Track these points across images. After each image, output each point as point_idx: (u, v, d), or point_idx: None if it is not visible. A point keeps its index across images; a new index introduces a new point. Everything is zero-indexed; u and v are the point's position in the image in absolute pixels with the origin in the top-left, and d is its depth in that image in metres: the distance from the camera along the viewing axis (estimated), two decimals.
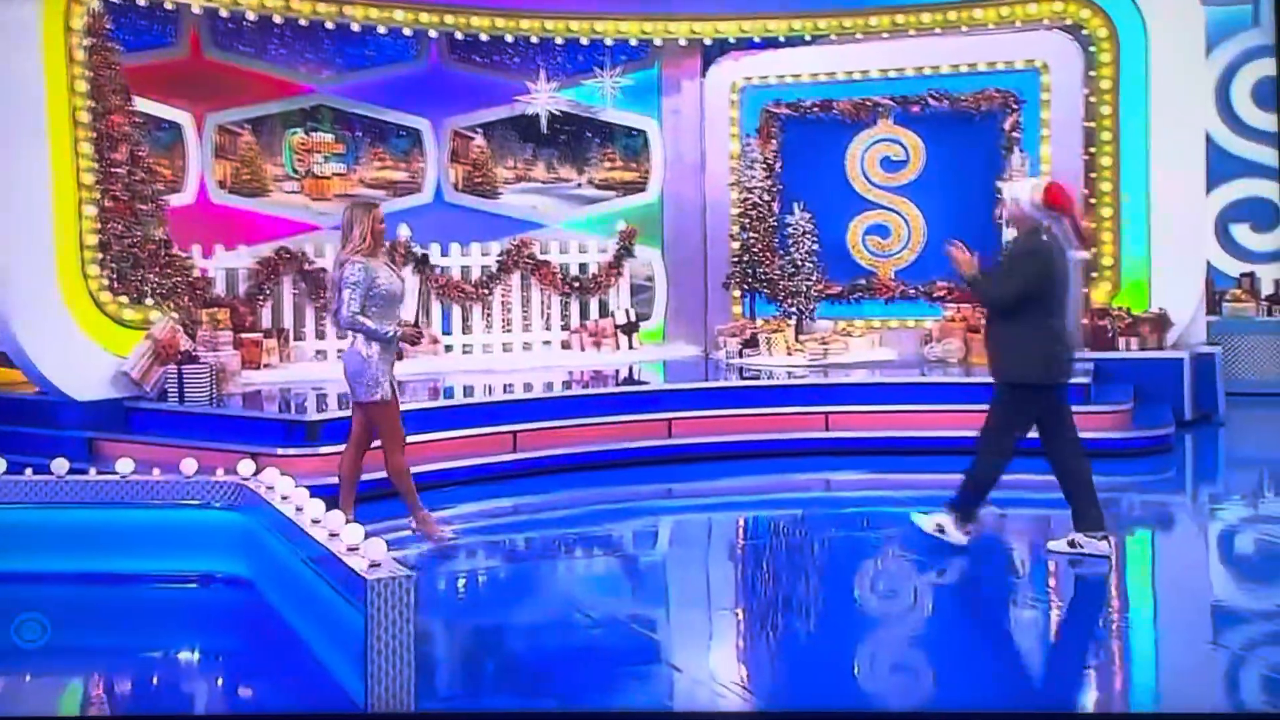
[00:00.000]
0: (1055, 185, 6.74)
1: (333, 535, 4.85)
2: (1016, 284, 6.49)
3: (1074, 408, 9.75)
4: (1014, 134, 11.90)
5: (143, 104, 10.44)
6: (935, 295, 12.20)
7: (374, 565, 4.45)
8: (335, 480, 7.69)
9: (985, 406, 9.65)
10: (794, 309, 12.02)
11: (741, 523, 8.34)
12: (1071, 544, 6.66)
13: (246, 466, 6.17)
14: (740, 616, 6.15)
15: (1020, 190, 6.70)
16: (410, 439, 7.76)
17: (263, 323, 11.35)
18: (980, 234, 11.90)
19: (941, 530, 6.78)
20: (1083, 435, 9.56)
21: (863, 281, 12.50)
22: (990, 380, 7.04)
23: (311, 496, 5.50)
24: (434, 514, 7.11)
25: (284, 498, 5.56)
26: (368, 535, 4.69)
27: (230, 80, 11.74)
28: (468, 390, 10.27)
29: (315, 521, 5.10)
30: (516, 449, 8.94)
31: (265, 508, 5.63)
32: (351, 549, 4.63)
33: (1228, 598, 6.57)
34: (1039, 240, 6.57)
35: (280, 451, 7.96)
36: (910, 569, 6.79)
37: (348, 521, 5.67)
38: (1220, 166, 13.21)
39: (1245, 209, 14.07)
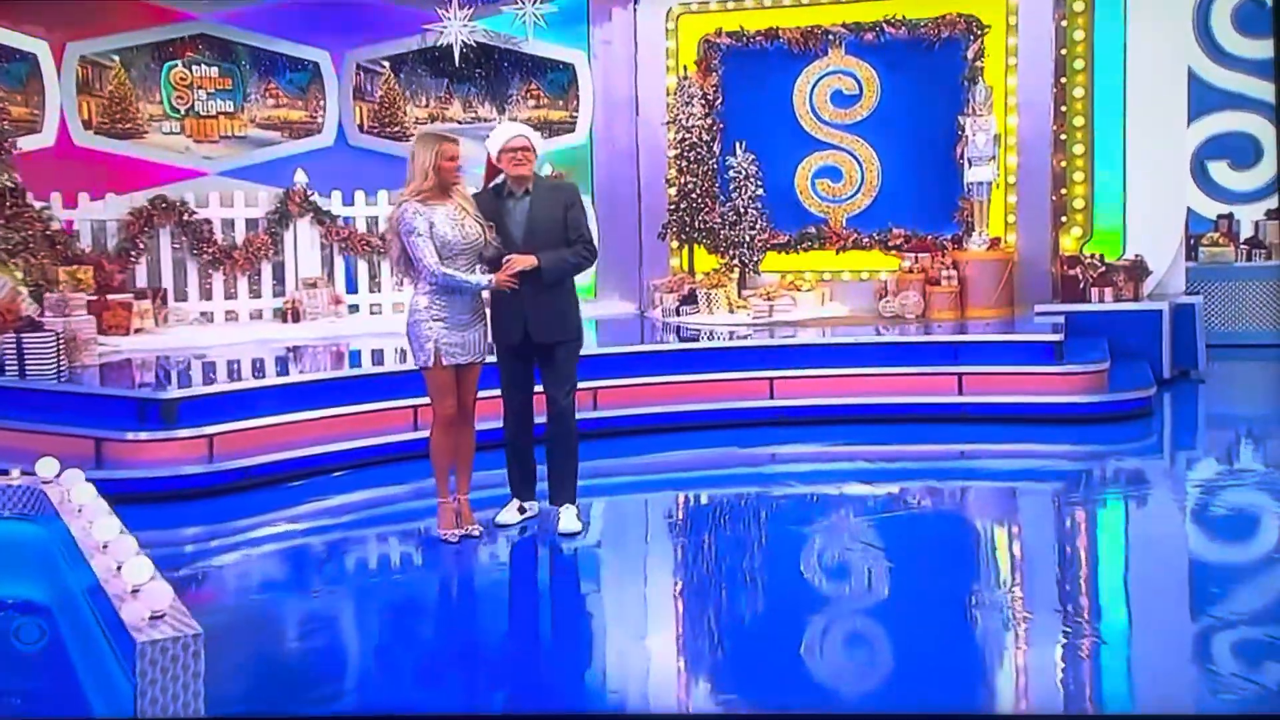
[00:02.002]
0: None
1: (115, 568, 3.75)
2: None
3: (1044, 368, 8.98)
4: (977, 63, 10.86)
5: None
6: (891, 244, 11.19)
7: (153, 618, 3.36)
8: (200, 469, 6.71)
9: (947, 368, 8.99)
10: (736, 261, 10.95)
11: (681, 505, 7.31)
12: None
13: (47, 465, 5.03)
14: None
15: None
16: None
17: (136, 282, 10.13)
18: (940, 175, 10.98)
19: None
20: (1053, 400, 8.88)
21: (812, 230, 11.46)
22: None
23: (115, 508, 4.39)
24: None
25: (79, 510, 4.44)
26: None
27: (96, 4, 10.40)
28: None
29: (103, 547, 3.99)
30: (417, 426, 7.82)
31: (57, 521, 4.52)
32: (135, 590, 3.55)
33: (1219, 591, 5.54)
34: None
35: (130, 436, 6.85)
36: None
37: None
38: (1198, 99, 12.23)
39: (1224, 145, 13.09)
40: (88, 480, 4.79)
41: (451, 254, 5.70)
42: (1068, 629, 4.86)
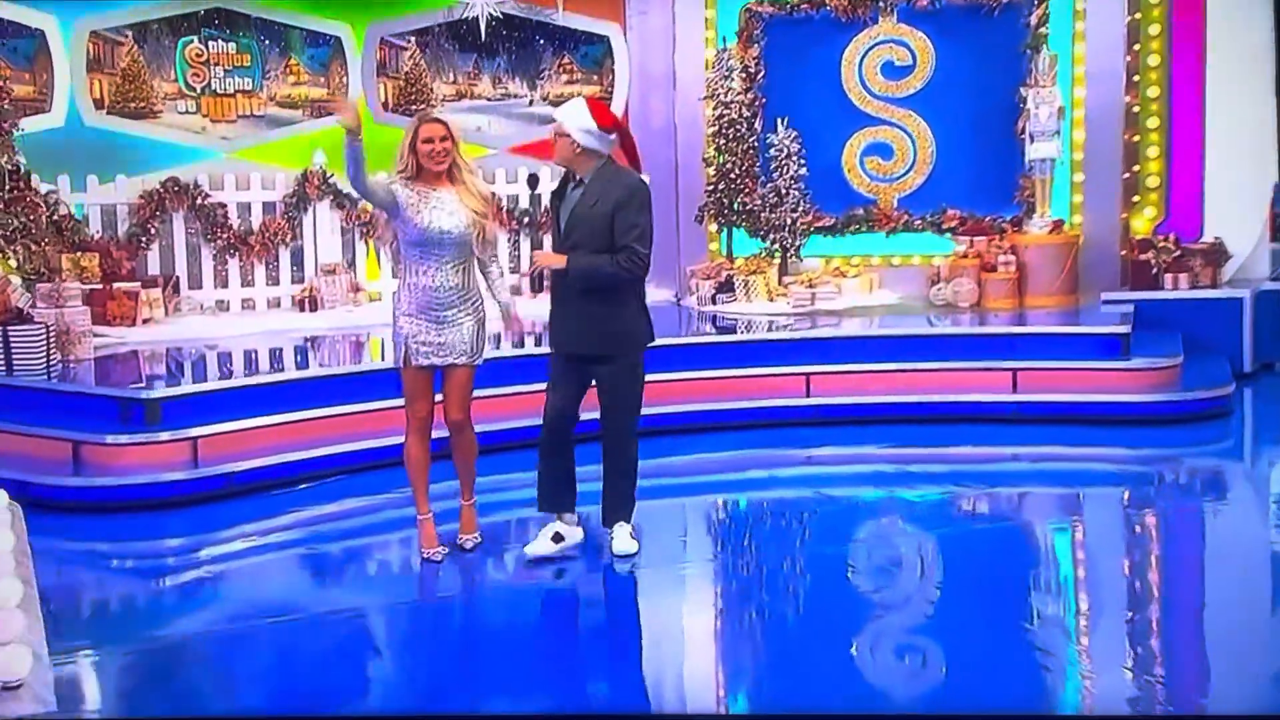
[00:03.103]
0: (597, 101, 5.54)
1: None
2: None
3: (1108, 364, 8.24)
4: (1040, 30, 10.07)
5: None
6: (945, 227, 10.46)
7: (6, 689, 2.88)
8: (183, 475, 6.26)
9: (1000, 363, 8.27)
10: (777, 245, 10.29)
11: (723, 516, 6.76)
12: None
13: None
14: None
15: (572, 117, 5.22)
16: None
17: (147, 269, 9.75)
18: (999, 152, 10.23)
19: None
20: (1118, 399, 8.13)
21: (860, 212, 10.76)
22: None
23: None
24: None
25: None
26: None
27: None
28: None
29: None
30: None
31: None
32: None
33: None
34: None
35: (109, 440, 6.41)
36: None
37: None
38: None
39: None
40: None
41: (429, 245, 5.17)
42: (1137, 649, 4.45)
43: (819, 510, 6.46)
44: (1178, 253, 9.57)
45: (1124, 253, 10.05)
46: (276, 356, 8.50)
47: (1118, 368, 8.23)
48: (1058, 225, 9.95)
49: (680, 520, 6.56)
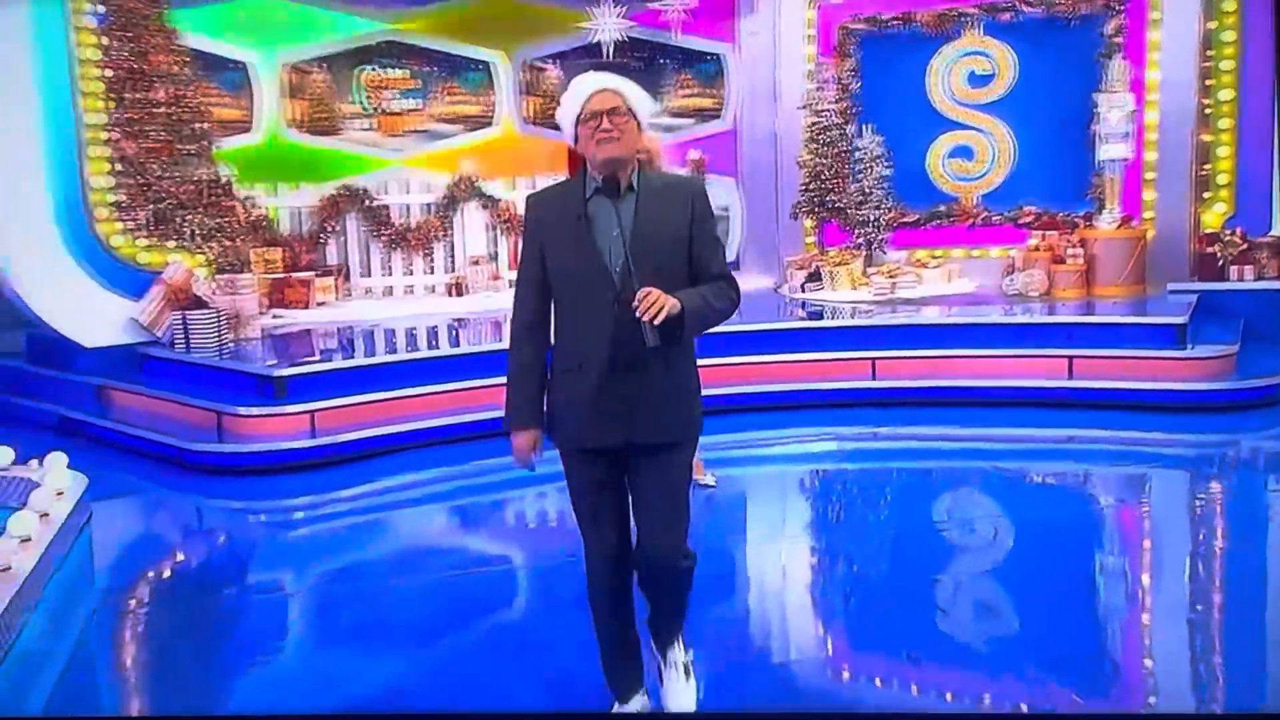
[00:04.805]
0: None
1: None
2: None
3: (1161, 352, 7.24)
4: (1115, 39, 8.97)
5: (207, 43, 8.93)
6: (1021, 222, 9.50)
7: None
8: (304, 444, 6.09)
9: (1056, 351, 7.34)
10: (862, 239, 9.53)
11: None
12: None
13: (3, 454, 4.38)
14: None
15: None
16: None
17: (325, 260, 9.75)
18: (1074, 152, 9.20)
19: None
20: (1173, 387, 7.13)
21: (942, 208, 9.89)
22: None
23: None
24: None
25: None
26: None
27: (300, 18, 9.99)
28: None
29: None
30: None
31: None
32: None
33: None
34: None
35: (243, 411, 6.29)
36: None
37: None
38: None
39: None
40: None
41: None
42: (1199, 635, 3.87)
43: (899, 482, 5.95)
44: (1244, 246, 8.40)
45: (1193, 246, 8.89)
46: (411, 337, 8.30)
47: (1171, 356, 7.26)
48: (1126, 220, 8.87)
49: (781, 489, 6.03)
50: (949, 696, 3.51)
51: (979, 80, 9.75)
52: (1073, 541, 4.95)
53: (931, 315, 8.19)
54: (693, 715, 3.16)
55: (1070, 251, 8.81)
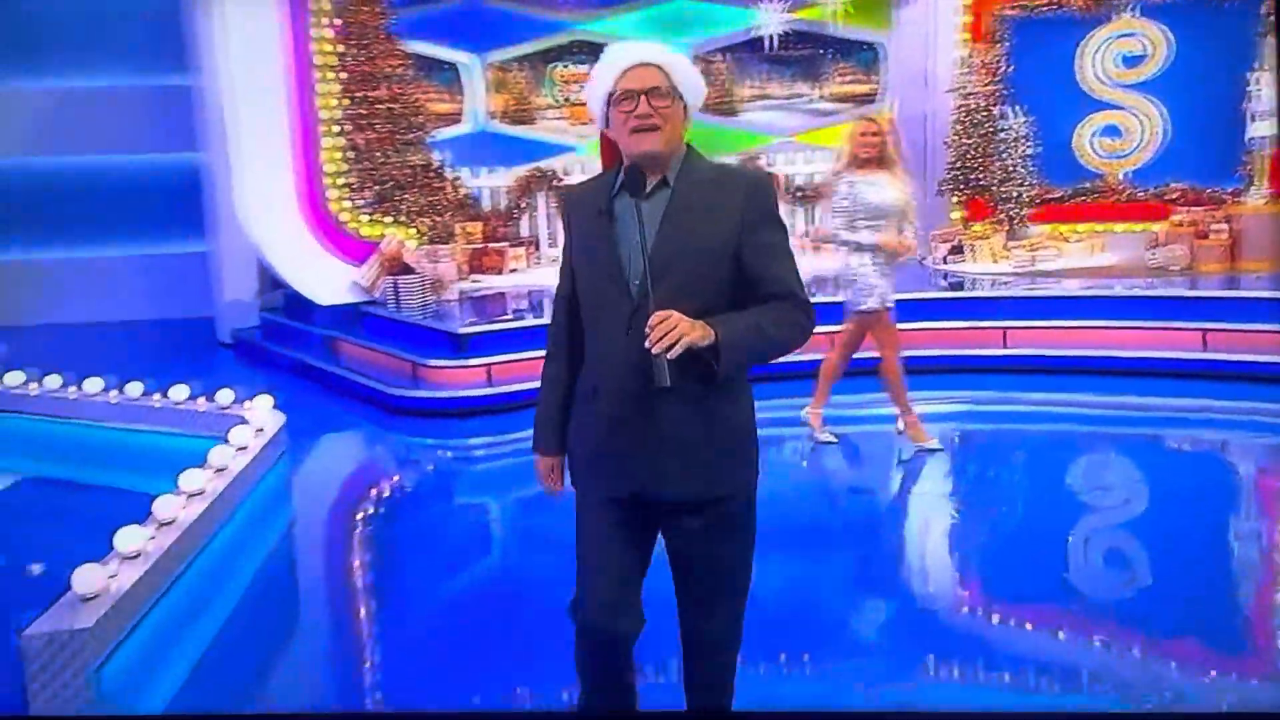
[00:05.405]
0: None
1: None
2: None
3: (1253, 326, 6.89)
4: (1271, 18, 8.47)
5: (422, 47, 9.83)
6: (1167, 198, 9.16)
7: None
8: (485, 391, 6.77)
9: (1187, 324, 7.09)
10: (1004, 214, 9.45)
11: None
12: None
13: (225, 396, 4.93)
14: None
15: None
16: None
17: (519, 233, 10.52)
18: (1225, 131, 8.80)
19: None
20: (1250, 359, 6.76)
21: (1087, 185, 9.64)
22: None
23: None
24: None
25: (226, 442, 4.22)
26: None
27: (502, 22, 10.76)
28: None
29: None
30: None
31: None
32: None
33: None
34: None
35: (431, 362, 7.04)
36: None
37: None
38: None
39: None
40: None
41: (878, 215, 5.26)
42: None
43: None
44: None
45: None
46: None
47: (1255, 329, 6.92)
48: (1275, 197, 8.43)
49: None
50: (1096, 641, 3.54)
51: (1131, 61, 9.42)
52: (1215, 507, 4.90)
53: (1059, 288, 8.11)
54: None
55: (1214, 227, 8.48)
